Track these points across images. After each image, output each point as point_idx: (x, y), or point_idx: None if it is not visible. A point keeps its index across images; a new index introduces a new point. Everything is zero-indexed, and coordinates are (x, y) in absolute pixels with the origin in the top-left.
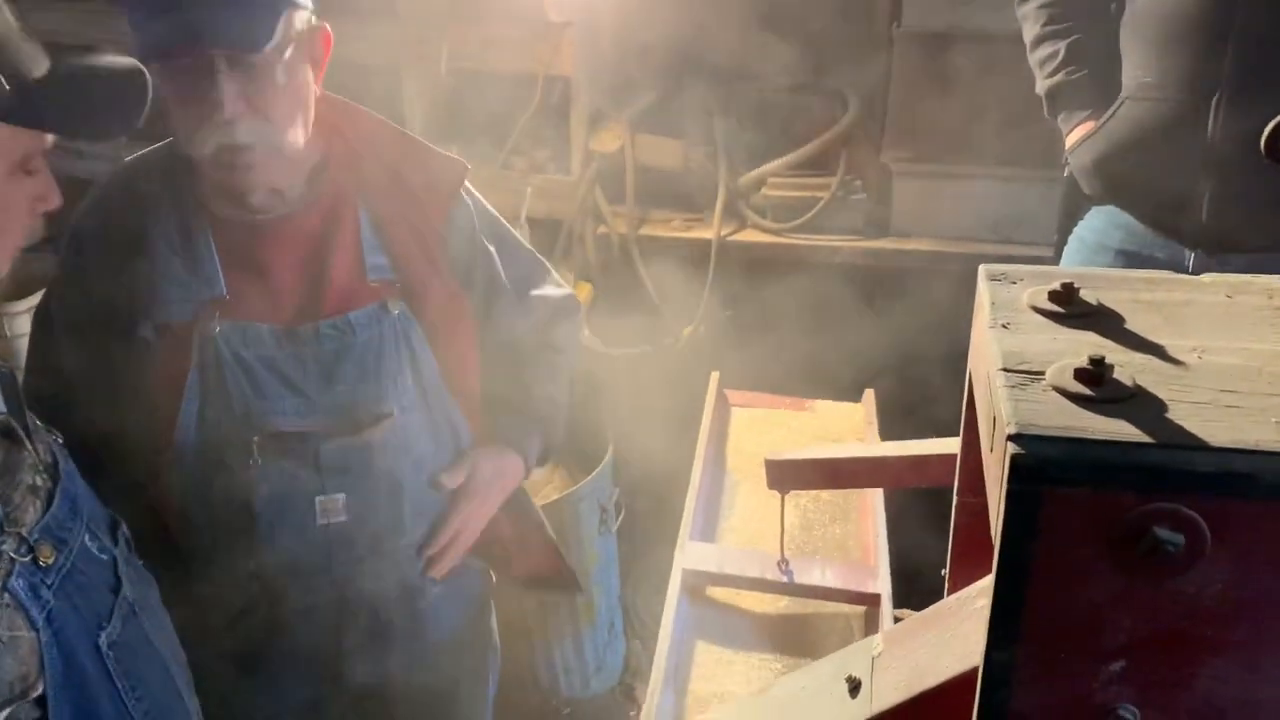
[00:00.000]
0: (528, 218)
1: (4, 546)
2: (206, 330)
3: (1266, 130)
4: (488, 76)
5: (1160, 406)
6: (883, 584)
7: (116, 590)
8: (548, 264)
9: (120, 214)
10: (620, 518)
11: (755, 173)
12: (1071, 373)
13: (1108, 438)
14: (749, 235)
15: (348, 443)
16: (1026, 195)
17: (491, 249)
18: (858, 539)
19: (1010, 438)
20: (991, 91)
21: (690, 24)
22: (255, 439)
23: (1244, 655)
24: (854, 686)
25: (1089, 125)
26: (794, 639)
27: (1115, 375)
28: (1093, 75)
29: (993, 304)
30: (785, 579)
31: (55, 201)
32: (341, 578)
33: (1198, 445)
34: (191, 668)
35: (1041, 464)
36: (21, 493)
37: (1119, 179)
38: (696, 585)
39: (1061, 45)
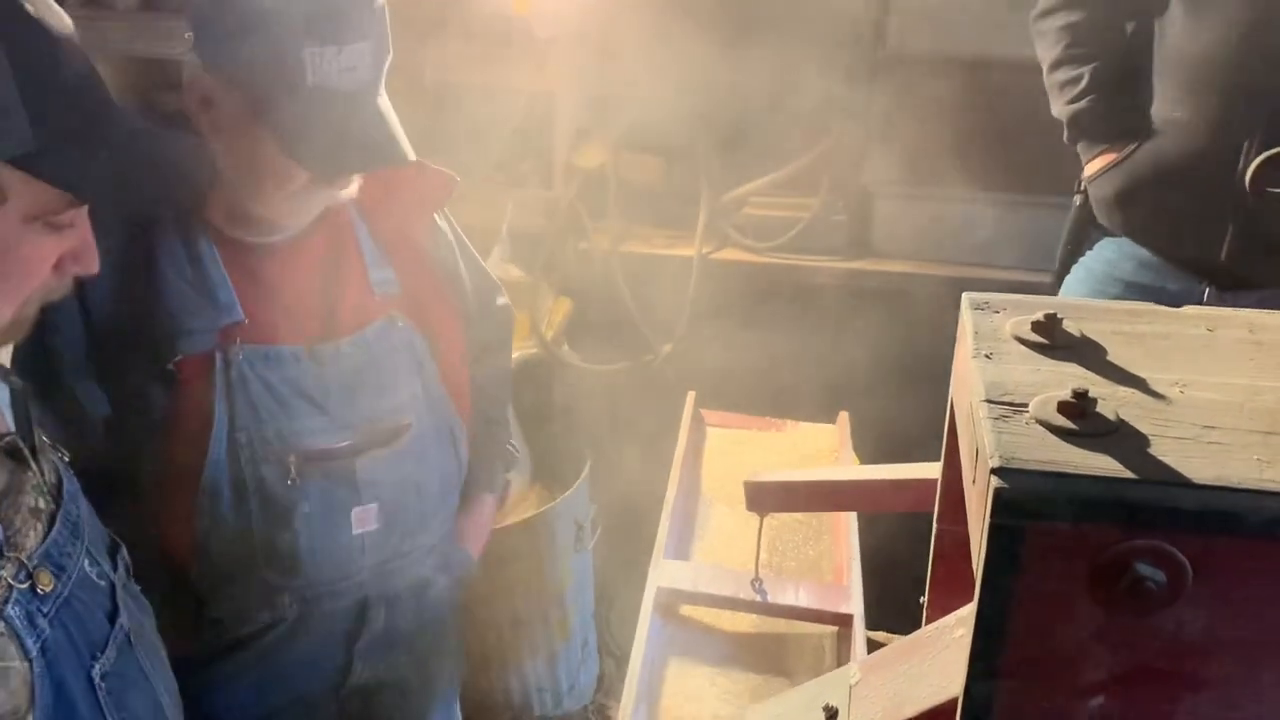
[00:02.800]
0: (509, 232)
1: (2, 572)
2: (229, 356)
3: (1252, 166)
4: (471, 90)
5: (1143, 441)
6: (855, 605)
7: (113, 618)
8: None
9: (122, 237)
10: (596, 535)
11: (737, 191)
12: (1055, 405)
13: (1091, 473)
14: (730, 254)
15: (379, 455)
16: (1007, 219)
17: (462, 260)
18: (830, 559)
19: (994, 471)
20: (973, 115)
21: (674, 42)
22: (291, 459)
23: (1224, 692)
24: (831, 716)
25: (1110, 156)
26: (767, 658)
27: (1098, 409)
28: (1116, 106)
29: (975, 333)
30: (759, 598)
31: (88, 266)
32: (367, 580)
33: (1181, 482)
34: (203, 682)
35: (1024, 498)
36: (23, 516)
37: (1141, 213)
38: (670, 603)
39: (1085, 70)
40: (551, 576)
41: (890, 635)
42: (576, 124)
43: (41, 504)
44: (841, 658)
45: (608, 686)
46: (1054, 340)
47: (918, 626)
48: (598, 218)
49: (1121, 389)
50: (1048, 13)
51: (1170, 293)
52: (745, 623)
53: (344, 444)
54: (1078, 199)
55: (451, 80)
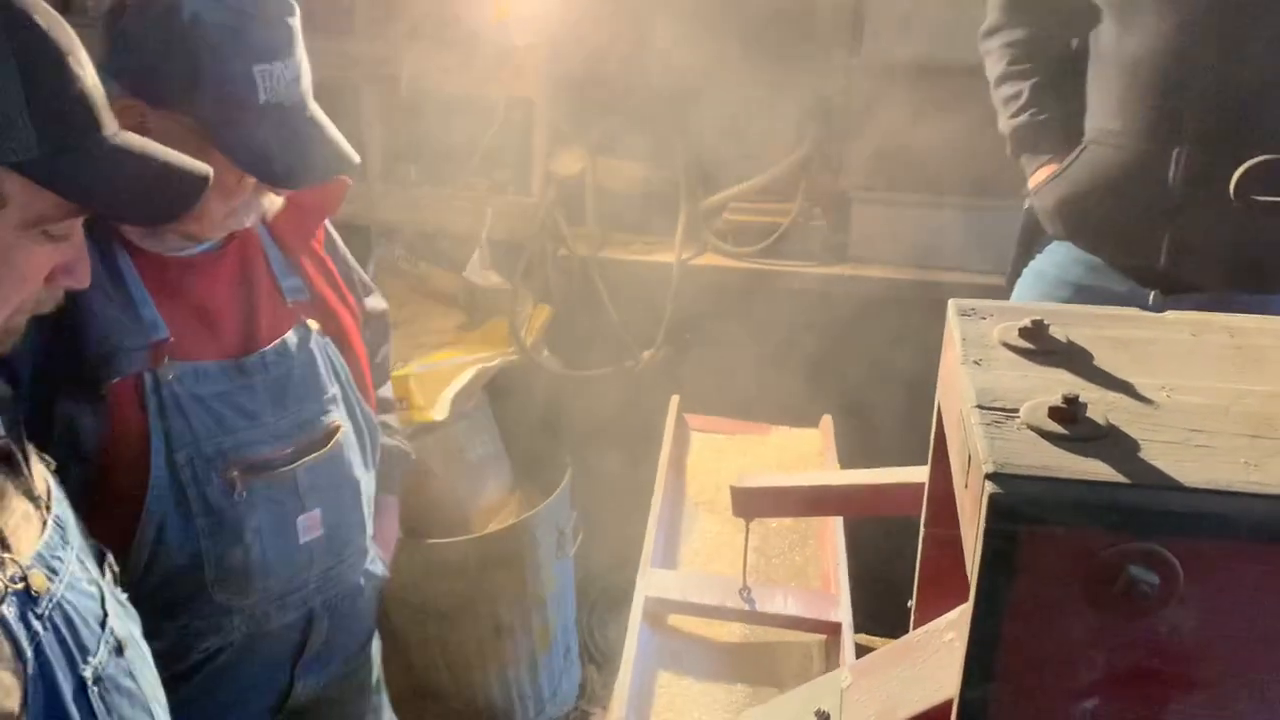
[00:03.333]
0: (488, 239)
1: None
2: (160, 376)
3: (1236, 175)
4: (449, 97)
5: (1133, 446)
6: (843, 613)
7: (103, 623)
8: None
9: None
10: (578, 541)
11: (716, 197)
12: (1046, 411)
13: (1084, 477)
14: (710, 259)
15: (316, 460)
16: (983, 224)
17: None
18: (817, 565)
19: (988, 476)
20: (949, 121)
21: (653, 49)
22: (235, 473)
23: (1215, 693)
24: None
25: (1052, 167)
26: (756, 667)
27: (1088, 414)
28: (1056, 118)
29: (963, 339)
30: (747, 607)
31: (80, 280)
32: (313, 590)
33: (1172, 485)
34: None
35: (1019, 503)
36: (16, 519)
37: (1081, 221)
38: (658, 612)
39: (1025, 86)
40: (533, 583)
41: (874, 639)
42: (555, 131)
43: (32, 509)
44: (830, 665)
45: (590, 693)
46: (1041, 346)
47: (903, 630)
48: (577, 224)
49: (1110, 394)
50: (992, 31)
51: (1118, 295)
52: (734, 631)
53: (283, 452)
54: (1027, 203)
55: (429, 87)
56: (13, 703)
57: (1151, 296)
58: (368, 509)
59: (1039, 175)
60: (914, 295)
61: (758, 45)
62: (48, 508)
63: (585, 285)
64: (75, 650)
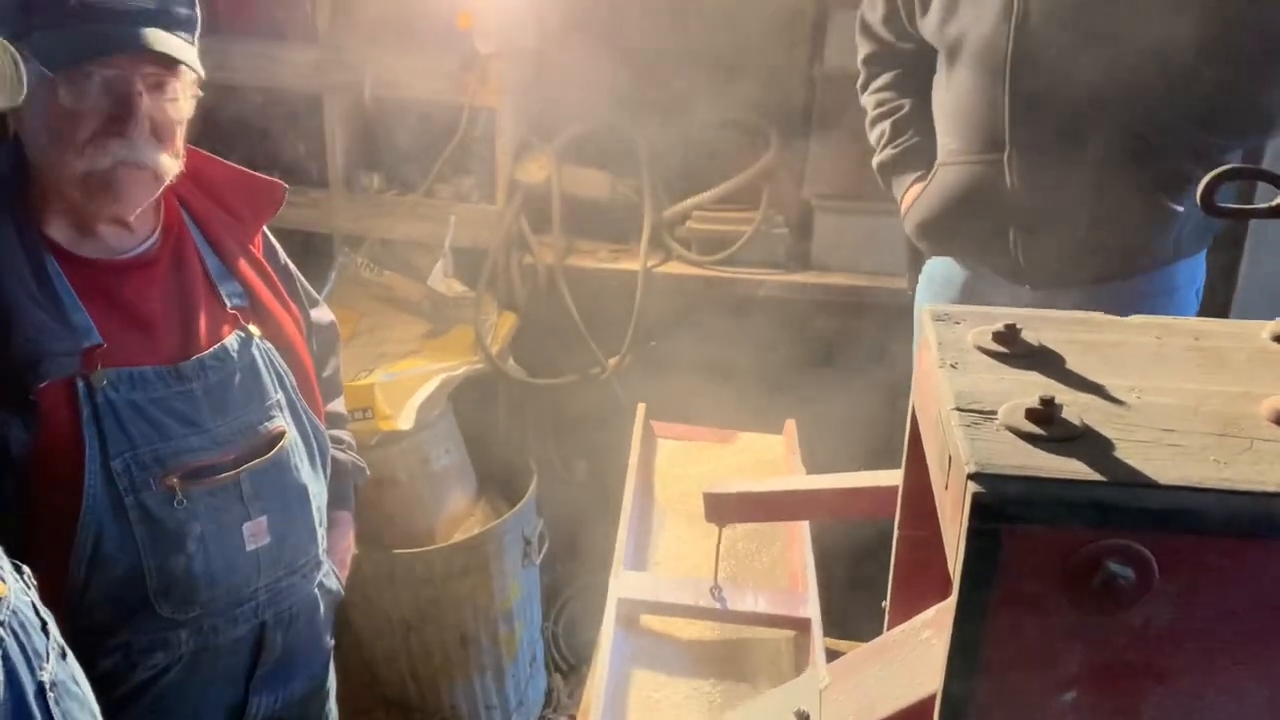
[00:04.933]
0: (452, 247)
1: None
2: (93, 382)
3: (1202, 184)
4: (412, 104)
5: (1108, 445)
6: (812, 609)
7: (44, 629)
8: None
9: None
10: (544, 550)
11: (680, 206)
12: (1023, 412)
13: (1063, 476)
14: (674, 267)
15: (260, 466)
16: None
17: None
18: (785, 565)
19: (970, 476)
20: None
21: (617, 57)
22: (174, 480)
23: (1189, 685)
24: None
25: (915, 189)
26: (728, 664)
27: (1064, 415)
28: (913, 146)
29: (939, 344)
30: (718, 605)
31: None
32: (263, 602)
33: (1147, 483)
34: None
35: (1001, 502)
36: None
37: (940, 237)
38: (631, 614)
39: (887, 124)
40: (499, 592)
41: (839, 641)
42: (519, 138)
43: None
44: (799, 661)
45: (556, 701)
46: (1015, 349)
47: (868, 628)
48: (541, 232)
49: (1083, 395)
50: (863, 87)
51: (998, 290)
52: (706, 630)
53: (225, 459)
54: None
55: (393, 95)
56: None
57: (1026, 290)
58: (318, 517)
59: (905, 200)
60: (875, 301)
61: (720, 54)
62: None
63: (550, 293)
64: (32, 656)
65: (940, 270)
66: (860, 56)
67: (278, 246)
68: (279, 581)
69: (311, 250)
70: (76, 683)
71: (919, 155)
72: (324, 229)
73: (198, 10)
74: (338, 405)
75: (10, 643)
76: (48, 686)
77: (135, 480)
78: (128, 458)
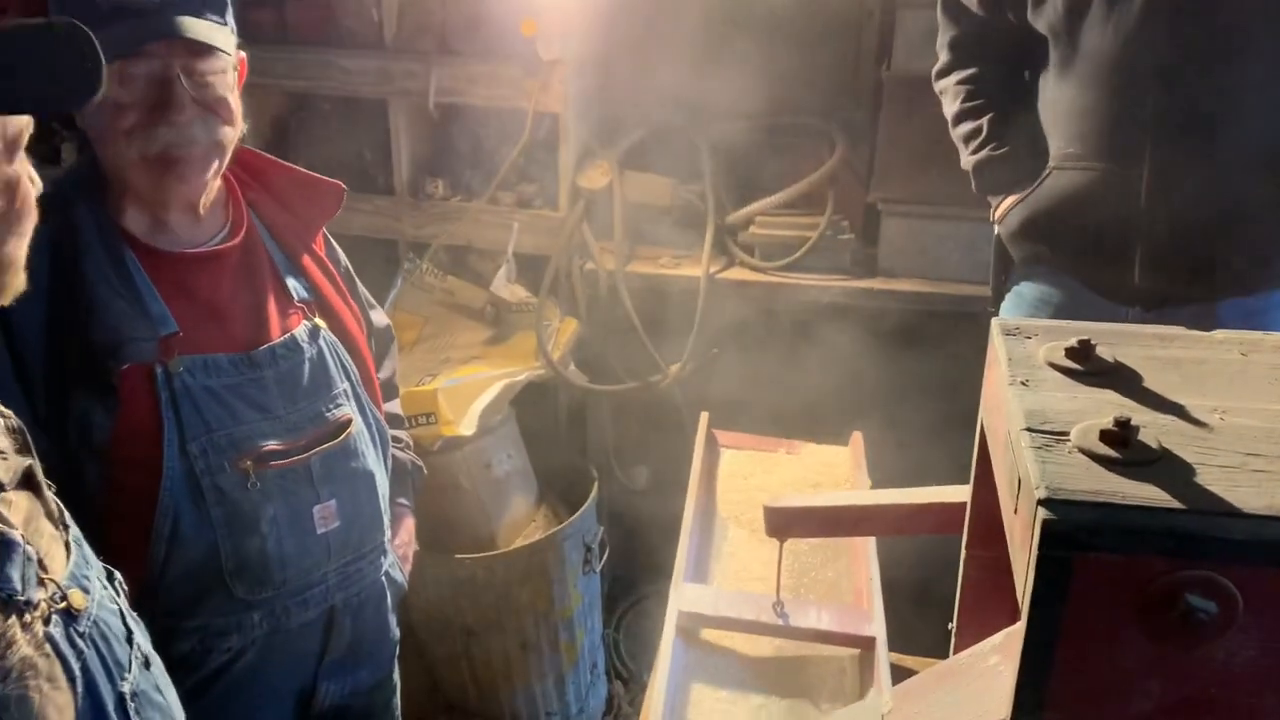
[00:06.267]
0: (514, 253)
1: (41, 595)
2: (170, 368)
3: None
4: (476, 110)
5: (1188, 470)
6: (877, 627)
7: (129, 639)
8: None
9: (54, 251)
10: (605, 557)
11: (743, 211)
12: (1097, 434)
13: (1139, 503)
14: (736, 273)
15: (329, 452)
16: None
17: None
18: (850, 581)
19: (1040, 502)
20: None
21: (679, 62)
22: (248, 463)
23: None
24: None
25: (1014, 198)
26: (789, 681)
27: (1140, 437)
28: (1016, 150)
29: (1009, 359)
30: (781, 621)
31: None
32: (333, 585)
33: (1230, 512)
34: None
35: (1073, 530)
36: (46, 540)
37: (1048, 240)
38: (691, 627)
39: (983, 121)
40: (560, 599)
41: (907, 658)
42: (582, 144)
43: (56, 530)
44: (864, 680)
45: (617, 709)
46: (1089, 366)
47: (940, 649)
48: (603, 238)
49: (1161, 416)
50: (944, 72)
51: (1096, 313)
52: (766, 646)
53: (296, 444)
54: (996, 230)
55: (457, 101)
56: None
57: (1129, 315)
58: (384, 504)
59: (1004, 205)
60: (944, 309)
61: (784, 57)
62: (66, 528)
63: (612, 299)
64: (113, 667)
65: (1032, 291)
66: (945, 39)
67: (338, 248)
68: (348, 566)
69: (377, 256)
70: (160, 691)
71: (1022, 163)
72: (389, 235)
73: None
74: (394, 406)
75: (90, 654)
76: (128, 697)
77: (211, 463)
78: (204, 441)
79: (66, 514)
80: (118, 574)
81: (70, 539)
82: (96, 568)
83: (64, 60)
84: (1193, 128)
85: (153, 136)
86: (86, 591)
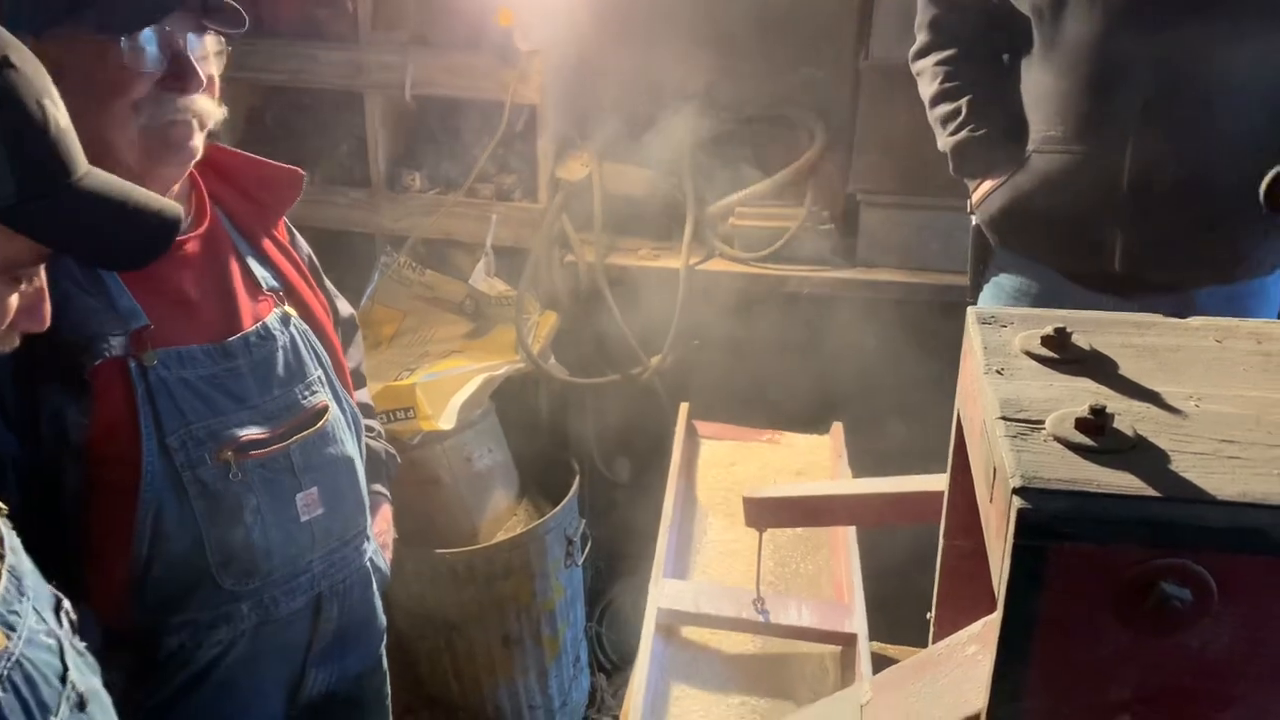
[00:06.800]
0: (493, 246)
1: None
2: (144, 362)
3: (1265, 181)
4: (453, 102)
5: (1163, 457)
6: (858, 623)
7: (63, 678)
8: None
9: None
10: (587, 549)
11: (723, 202)
12: (1072, 422)
13: (1114, 491)
14: (717, 264)
15: (307, 439)
16: None
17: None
18: (830, 575)
19: (1015, 491)
20: None
21: (658, 54)
22: (229, 453)
23: (1250, 710)
24: None
25: (994, 180)
26: (770, 679)
27: (1116, 425)
28: (995, 132)
29: (985, 348)
30: (761, 619)
31: (39, 323)
32: (319, 573)
33: (1205, 499)
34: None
35: (1048, 519)
36: None
37: (1027, 227)
38: (671, 624)
39: (962, 103)
40: (542, 592)
41: (889, 647)
42: (560, 136)
43: None
44: (846, 676)
45: (600, 702)
46: (1065, 354)
47: (920, 638)
48: (583, 230)
49: (1136, 404)
50: (923, 53)
51: (1075, 301)
52: (747, 643)
53: (275, 432)
54: (974, 218)
55: (434, 93)
56: None
57: (1107, 302)
58: (364, 490)
59: (982, 189)
60: (924, 299)
61: (763, 48)
62: (1, 558)
63: (592, 292)
64: (35, 709)
65: (1011, 282)
66: (924, 19)
67: (300, 237)
68: (333, 553)
69: (354, 250)
70: None
71: (1001, 146)
72: (367, 229)
73: None
74: (364, 395)
75: (7, 699)
76: None
77: (191, 455)
78: (182, 434)
79: (10, 541)
80: (66, 602)
81: (4, 569)
82: (38, 597)
83: (144, 238)
84: (1177, 113)
85: (162, 107)
86: (12, 629)
